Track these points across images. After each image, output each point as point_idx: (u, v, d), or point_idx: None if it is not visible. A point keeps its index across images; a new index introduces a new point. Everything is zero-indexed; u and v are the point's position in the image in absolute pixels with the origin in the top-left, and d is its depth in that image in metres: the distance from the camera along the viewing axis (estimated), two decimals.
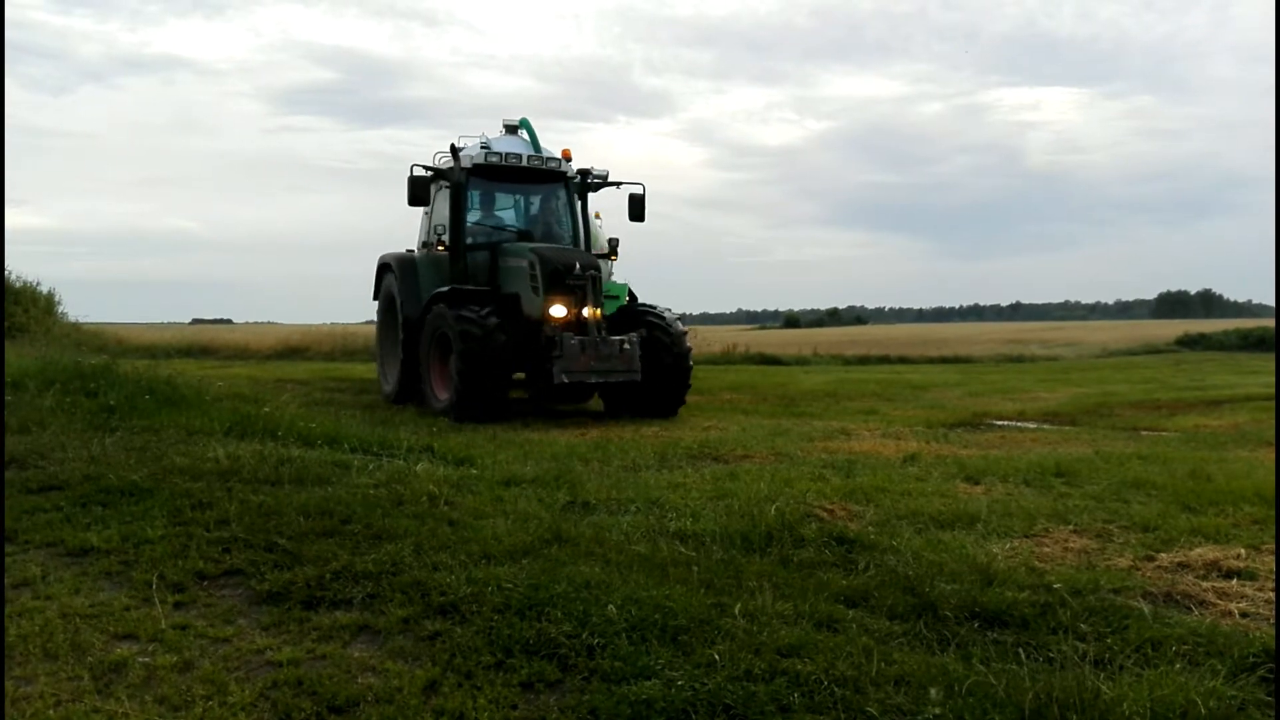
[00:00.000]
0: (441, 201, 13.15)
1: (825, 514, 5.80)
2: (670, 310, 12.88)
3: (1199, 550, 5.00)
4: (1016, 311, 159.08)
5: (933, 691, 3.11)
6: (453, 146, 12.91)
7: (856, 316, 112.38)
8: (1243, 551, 4.96)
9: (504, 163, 12.82)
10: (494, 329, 11.26)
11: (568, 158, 13.40)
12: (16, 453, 7.12)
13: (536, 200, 13.82)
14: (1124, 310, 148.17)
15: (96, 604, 4.13)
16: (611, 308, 12.53)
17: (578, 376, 11.40)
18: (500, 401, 11.66)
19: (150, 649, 3.64)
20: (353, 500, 5.85)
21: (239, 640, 3.75)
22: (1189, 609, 4.18)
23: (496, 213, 13.87)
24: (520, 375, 12.30)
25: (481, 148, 13.00)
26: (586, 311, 11.69)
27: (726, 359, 28.23)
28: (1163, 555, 4.97)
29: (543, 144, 13.59)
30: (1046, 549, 5.17)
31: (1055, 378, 21.65)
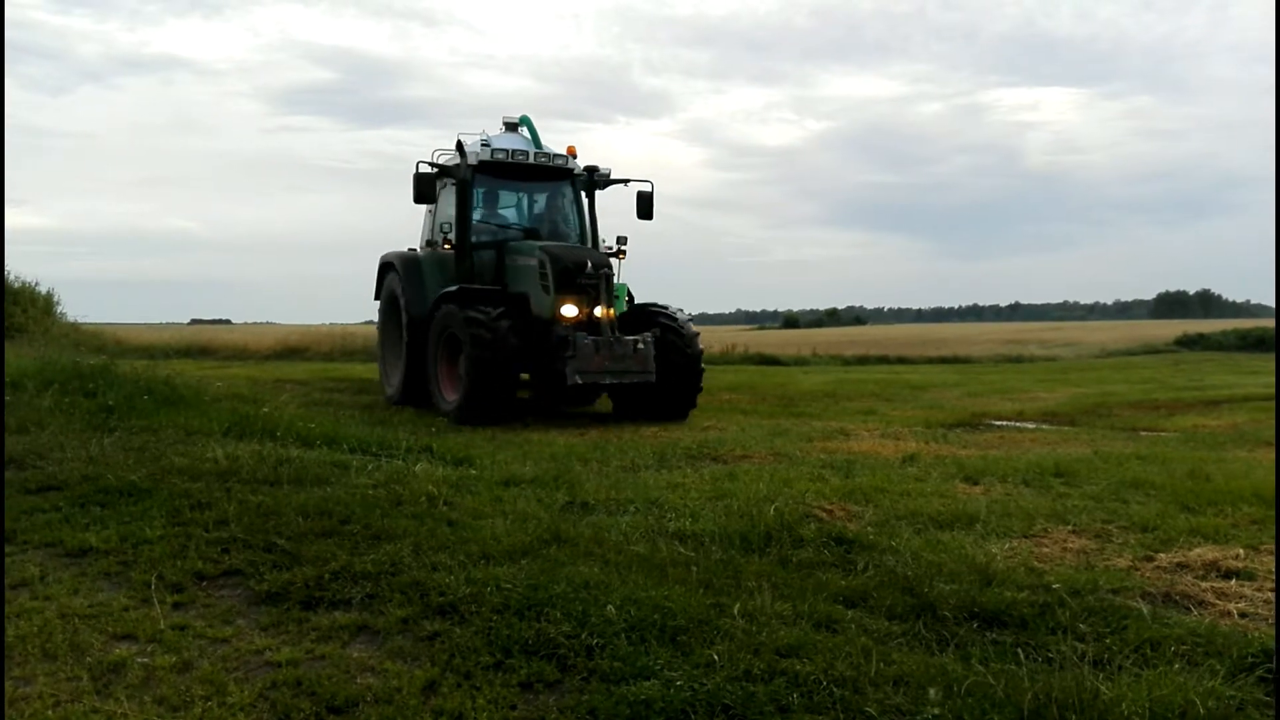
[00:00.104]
0: (446, 199, 12.96)
1: (824, 514, 5.80)
2: (682, 310, 12.66)
3: (1198, 550, 5.00)
4: (1015, 312, 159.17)
5: (932, 692, 3.11)
6: (459, 143, 12.74)
7: (855, 317, 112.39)
8: (1241, 552, 4.96)
9: (510, 159, 12.62)
10: (505, 330, 11.05)
11: (573, 154, 13.22)
12: (15, 453, 7.11)
13: (543, 197, 13.60)
14: (1123, 310, 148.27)
15: (95, 604, 4.13)
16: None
17: (591, 377, 11.19)
18: (510, 403, 11.42)
19: (149, 649, 3.64)
20: (352, 500, 5.85)
21: (238, 640, 3.75)
22: (1188, 609, 4.18)
23: (503, 210, 13.68)
24: (524, 376, 12.13)
25: (482, 145, 12.80)
26: (599, 311, 11.48)
27: (725, 359, 28.21)
28: (1161, 555, 4.97)
29: (543, 143, 13.45)
30: (1045, 549, 5.17)
31: (1054, 378, 21.66)
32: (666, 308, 12.61)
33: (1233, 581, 4.54)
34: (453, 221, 12.64)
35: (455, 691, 3.23)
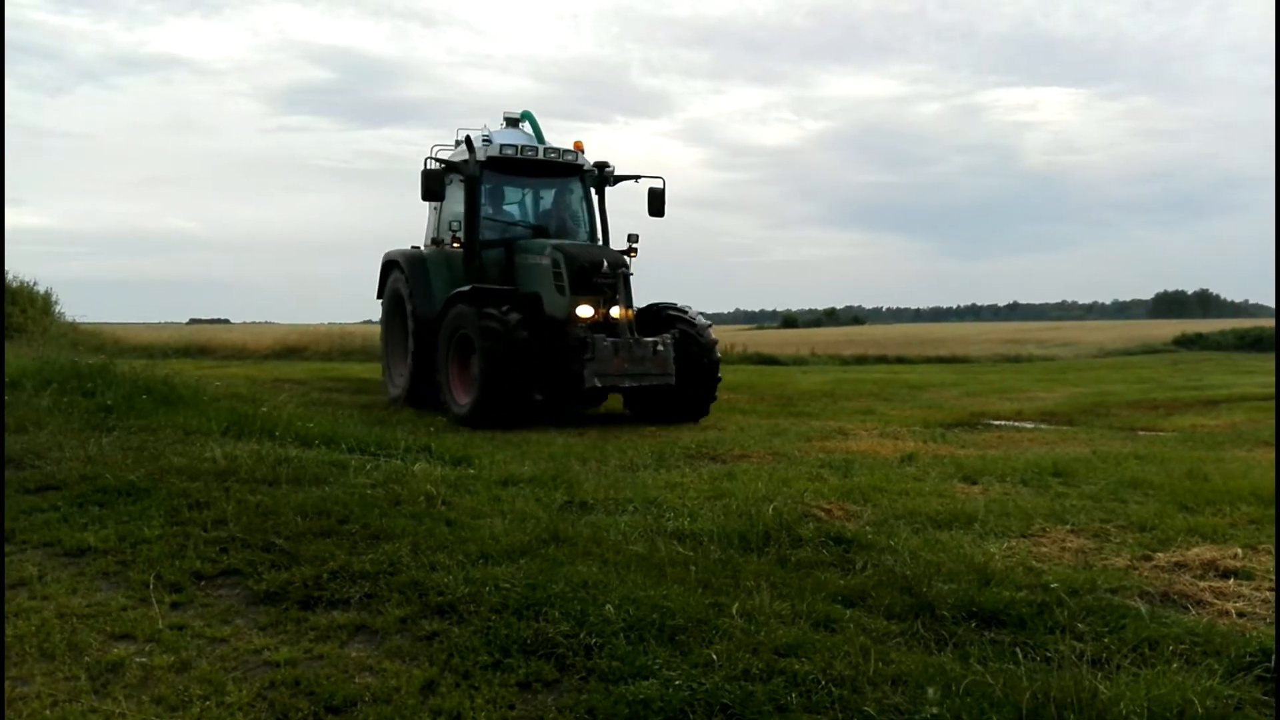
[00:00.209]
0: (453, 196, 12.64)
1: (823, 514, 5.80)
2: (696, 311, 12.33)
3: (1196, 550, 5.01)
4: (1014, 311, 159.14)
5: (930, 691, 3.11)
6: (468, 138, 12.47)
7: (854, 316, 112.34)
8: (1239, 551, 4.97)
9: (519, 155, 12.36)
10: (519, 331, 10.76)
11: (580, 150, 12.87)
12: (13, 452, 7.10)
13: (552, 194, 13.26)
14: (1121, 310, 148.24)
15: (93, 604, 4.12)
16: None
17: (611, 380, 10.92)
18: (524, 406, 11.07)
19: (147, 649, 3.64)
20: (350, 500, 5.85)
21: (236, 640, 3.75)
22: (1186, 608, 4.18)
23: (512, 207, 13.34)
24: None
25: (484, 140, 12.52)
26: (617, 312, 11.19)
27: (724, 359, 28.11)
28: (1160, 555, 4.97)
29: (546, 139, 13.21)
30: (1044, 549, 5.17)
31: (1052, 378, 21.67)
32: (686, 310, 12.24)
33: (1231, 581, 4.54)
34: (461, 219, 12.35)
35: (453, 691, 3.23)
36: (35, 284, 25.41)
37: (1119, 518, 5.82)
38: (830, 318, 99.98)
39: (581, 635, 3.61)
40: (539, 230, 12.77)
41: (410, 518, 5.50)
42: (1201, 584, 4.50)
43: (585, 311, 11.20)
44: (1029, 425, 12.00)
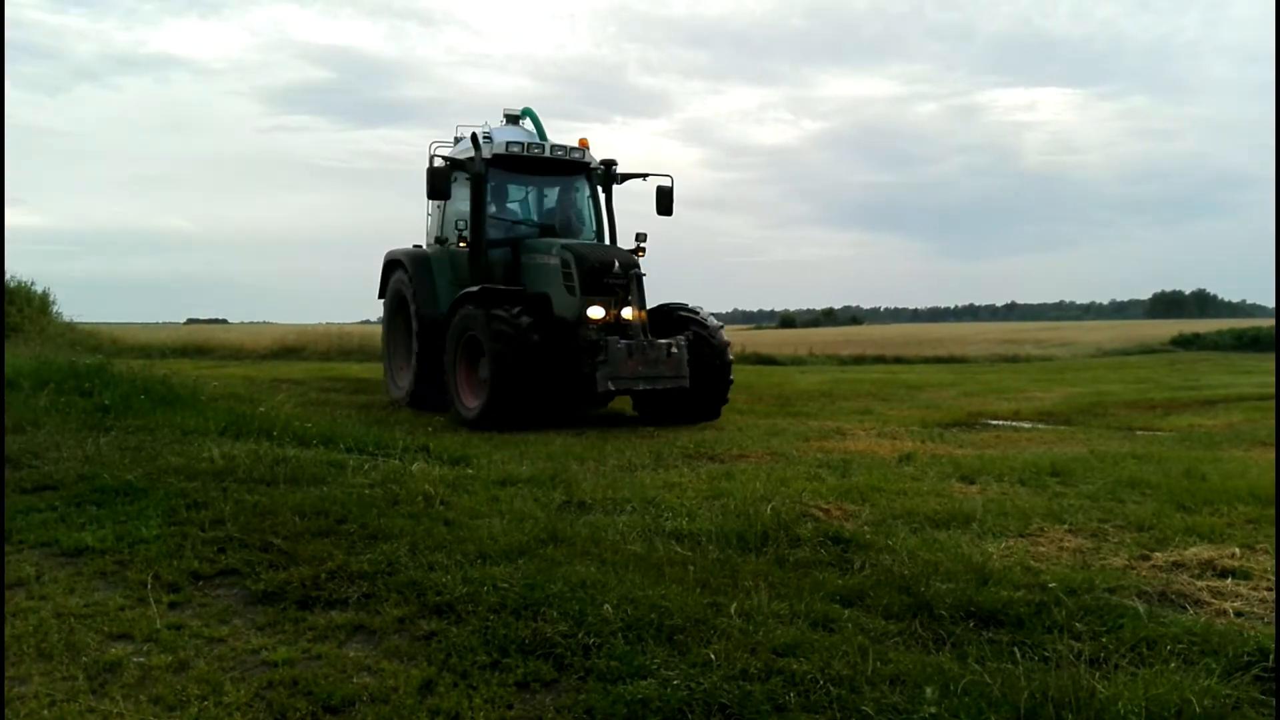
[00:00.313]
0: (457, 194, 12.40)
1: (821, 513, 5.80)
2: (707, 311, 12.10)
3: (1194, 549, 5.01)
4: (1011, 311, 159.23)
5: (928, 690, 3.11)
6: (474, 135, 12.24)
7: (852, 316, 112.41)
8: (1237, 551, 4.97)
9: (526, 153, 12.14)
10: (530, 333, 10.55)
11: (586, 147, 12.66)
12: (11, 452, 7.09)
13: (558, 193, 13.02)
14: (1119, 310, 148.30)
15: (91, 604, 4.12)
16: None
17: (624, 383, 10.69)
18: (535, 408, 10.74)
19: (145, 649, 3.64)
20: (348, 500, 5.84)
21: (234, 640, 3.75)
22: (1184, 608, 4.19)
23: (516, 205, 13.09)
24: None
25: (484, 138, 12.30)
26: (629, 313, 10.97)
27: None
28: (1157, 554, 4.98)
29: (548, 138, 13.01)
30: (1041, 548, 5.17)
31: (1050, 377, 21.68)
32: (698, 312, 11.99)
33: (1228, 580, 4.55)
34: (467, 218, 12.09)
35: (452, 691, 3.23)
36: (32, 284, 25.37)
37: (1117, 517, 5.82)
38: (828, 318, 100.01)
39: (580, 635, 3.61)
40: (545, 229, 12.54)
41: (408, 518, 5.50)
42: (1199, 583, 4.50)
43: (596, 313, 10.96)
44: (1027, 425, 12.01)
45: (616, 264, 11.10)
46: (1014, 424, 12.12)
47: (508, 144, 12.12)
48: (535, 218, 12.95)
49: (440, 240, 13.01)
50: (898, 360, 30.41)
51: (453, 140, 13.06)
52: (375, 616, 3.96)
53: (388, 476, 6.63)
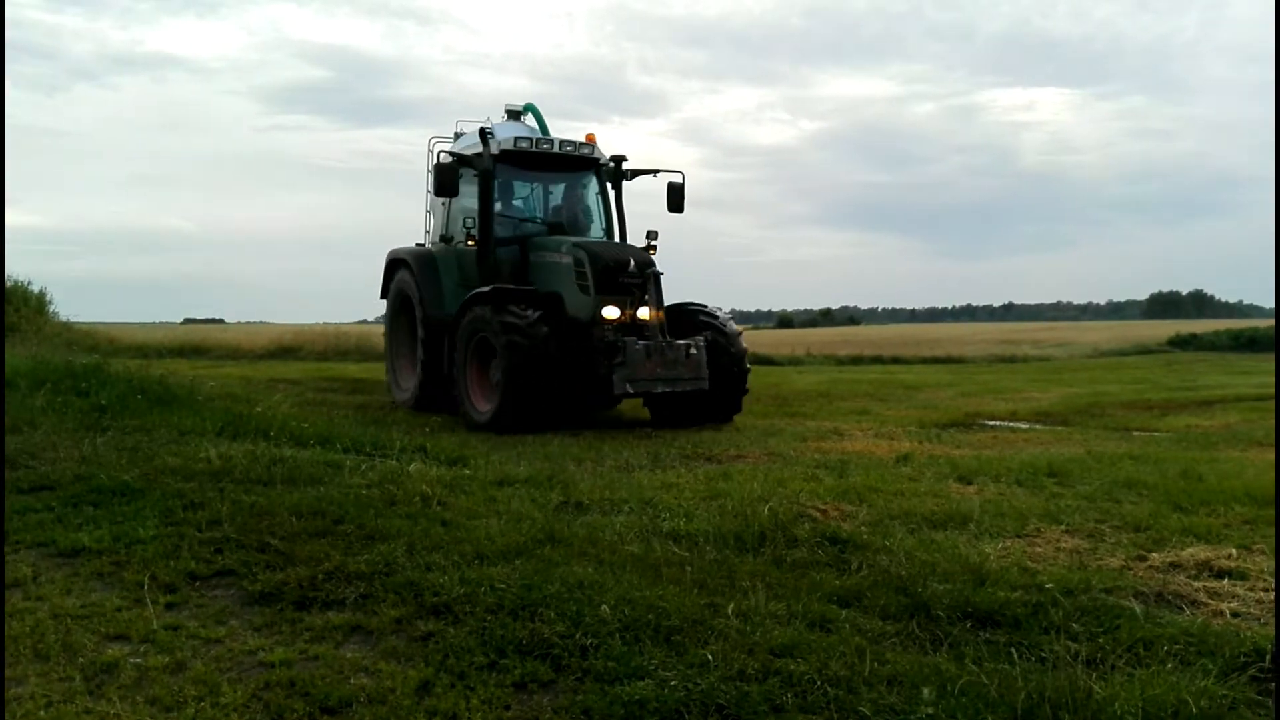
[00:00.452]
0: (463, 191, 11.95)
1: (818, 514, 5.80)
2: (722, 310, 11.81)
3: (1190, 550, 5.02)
4: (1009, 312, 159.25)
5: (925, 691, 3.11)
6: (481, 130, 11.95)
7: (850, 317, 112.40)
8: (1234, 551, 4.97)
9: (535, 149, 11.81)
10: (544, 334, 10.26)
11: (593, 143, 12.35)
12: (8, 452, 7.08)
13: (566, 189, 12.76)
14: (1116, 310, 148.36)
15: (88, 604, 4.12)
16: None
17: (643, 385, 10.36)
18: (549, 411, 10.42)
19: (142, 650, 3.63)
20: (345, 500, 5.84)
21: (231, 641, 3.74)
22: (1180, 609, 4.19)
23: (522, 202, 12.79)
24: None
25: (486, 135, 11.94)
26: (646, 313, 10.66)
27: None
28: (1154, 555, 4.98)
29: (551, 134, 12.67)
30: (1039, 549, 5.18)
31: (1047, 378, 21.70)
32: (717, 315, 11.62)
33: (1225, 581, 4.55)
34: (475, 215, 11.73)
35: (449, 692, 3.23)
36: (29, 283, 25.33)
37: (1114, 518, 5.83)
38: (826, 318, 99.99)
39: (577, 636, 3.61)
40: (554, 227, 12.21)
41: (406, 518, 5.49)
42: (1196, 584, 4.51)
43: (611, 313, 10.66)
44: (1024, 425, 12.02)
45: (632, 262, 10.82)
46: (1011, 424, 12.13)
47: (515, 139, 11.82)
48: (542, 215, 12.64)
49: (446, 239, 12.64)
50: (895, 360, 30.43)
51: (453, 136, 12.89)
52: (372, 617, 3.96)
53: (385, 477, 6.63)
